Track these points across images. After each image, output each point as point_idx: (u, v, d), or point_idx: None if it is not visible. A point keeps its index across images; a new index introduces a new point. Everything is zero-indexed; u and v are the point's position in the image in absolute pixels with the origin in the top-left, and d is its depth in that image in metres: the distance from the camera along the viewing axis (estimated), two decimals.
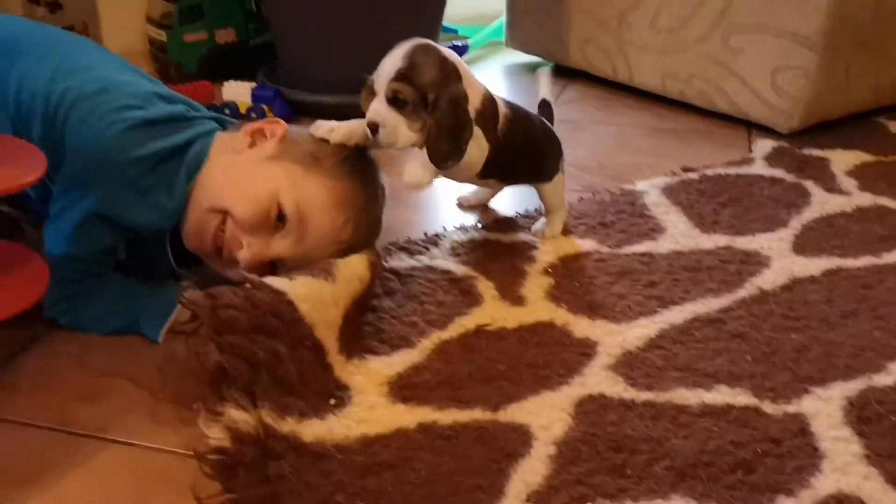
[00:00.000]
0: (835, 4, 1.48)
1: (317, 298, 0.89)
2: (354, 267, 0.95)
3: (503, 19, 2.21)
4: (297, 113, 1.72)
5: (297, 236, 0.95)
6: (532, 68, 2.16)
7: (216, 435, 0.76)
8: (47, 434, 0.79)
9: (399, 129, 0.98)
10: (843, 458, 0.76)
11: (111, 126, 0.91)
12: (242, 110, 1.72)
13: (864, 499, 0.71)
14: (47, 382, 0.87)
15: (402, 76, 0.97)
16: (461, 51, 2.23)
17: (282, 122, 1.03)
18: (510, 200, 1.33)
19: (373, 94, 1.00)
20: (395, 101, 0.98)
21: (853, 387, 0.86)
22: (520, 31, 2.13)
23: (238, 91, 1.72)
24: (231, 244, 0.96)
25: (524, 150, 1.14)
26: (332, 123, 1.02)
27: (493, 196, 1.32)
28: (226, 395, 0.79)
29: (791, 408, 0.83)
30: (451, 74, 0.99)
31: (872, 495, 0.72)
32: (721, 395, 0.85)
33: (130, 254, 1.03)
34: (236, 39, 1.98)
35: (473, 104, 1.02)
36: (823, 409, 0.83)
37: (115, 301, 0.96)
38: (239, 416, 0.77)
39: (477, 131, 1.02)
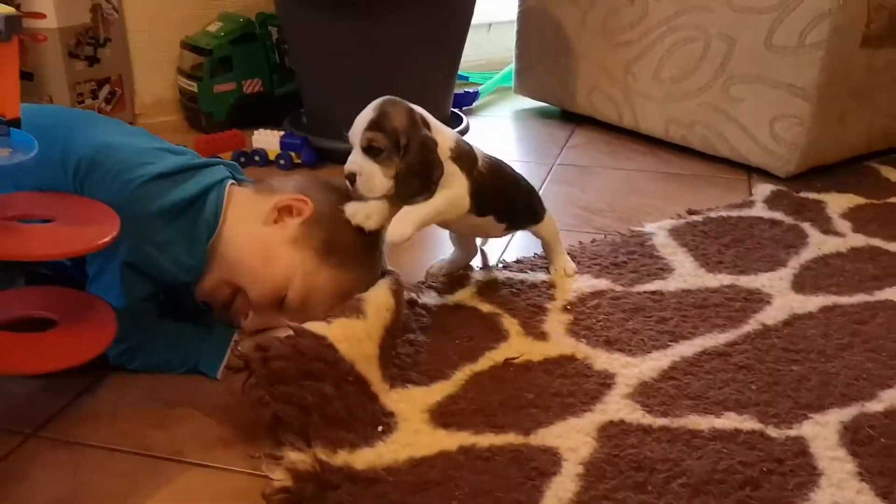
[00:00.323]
0: (829, 58, 1.60)
1: (352, 336, 0.98)
2: (381, 299, 1.05)
3: (512, 67, 2.33)
4: (323, 159, 1.83)
5: (298, 315, 1.02)
6: (540, 113, 2.28)
7: (279, 476, 0.84)
8: (131, 458, 0.89)
9: (375, 176, 1.05)
10: (838, 475, 0.86)
11: (127, 184, 0.98)
12: (271, 157, 1.83)
13: None
14: (123, 413, 0.96)
15: (374, 125, 1.05)
16: (472, 97, 2.35)
17: (308, 202, 1.07)
18: (528, 243, 1.43)
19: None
20: (369, 150, 1.05)
21: (848, 413, 0.96)
22: (528, 79, 2.26)
23: (267, 139, 1.84)
24: (238, 312, 1.06)
25: (513, 188, 1.22)
26: (367, 209, 1.06)
27: (466, 263, 1.33)
28: (282, 440, 0.87)
29: (792, 432, 0.92)
30: (418, 122, 1.07)
31: None
32: (729, 421, 0.94)
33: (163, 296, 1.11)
34: (262, 89, 2.10)
35: (447, 145, 1.09)
36: (821, 432, 0.92)
37: (173, 347, 1.05)
38: (296, 457, 0.85)
39: (453, 168, 1.09)
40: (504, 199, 1.20)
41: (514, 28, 2.24)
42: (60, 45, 1.89)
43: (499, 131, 2.18)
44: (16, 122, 0.79)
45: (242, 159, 1.81)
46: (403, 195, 1.06)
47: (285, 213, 1.07)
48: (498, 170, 1.19)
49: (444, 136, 1.11)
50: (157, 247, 1.00)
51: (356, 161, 1.06)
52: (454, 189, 1.10)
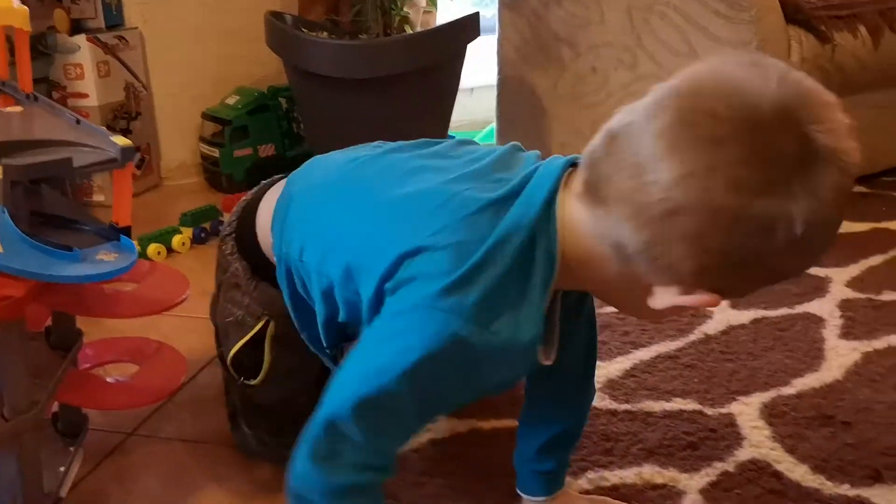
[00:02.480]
0: None
1: None
2: None
3: (493, 126, 2.63)
4: None
5: None
6: None
7: None
8: (213, 447, 1.14)
9: None
10: (757, 438, 1.13)
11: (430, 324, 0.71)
12: None
13: (770, 462, 1.08)
14: (202, 414, 1.22)
15: None
16: None
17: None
18: None
19: None
20: None
21: (767, 396, 1.23)
22: (508, 136, 2.55)
23: None
24: None
25: None
26: None
27: None
28: None
29: (724, 410, 1.19)
30: None
31: (775, 459, 1.08)
32: (676, 404, 1.21)
33: None
34: (275, 153, 2.39)
35: None
36: (746, 410, 1.19)
37: None
38: None
39: None
40: None
41: (495, 92, 2.55)
42: (100, 119, 2.17)
43: None
44: (127, 231, 1.02)
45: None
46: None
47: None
48: None
49: None
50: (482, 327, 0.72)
51: None
52: None
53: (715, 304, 0.71)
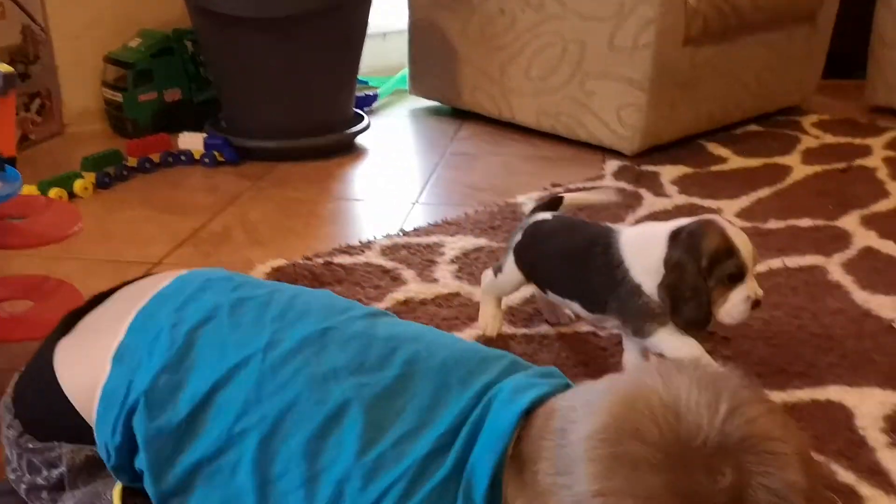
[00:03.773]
0: (657, 56, 1.97)
1: None
2: None
3: (406, 71, 2.64)
4: (244, 157, 2.09)
5: None
6: (433, 112, 2.59)
7: None
8: None
9: None
10: None
11: None
12: (196, 156, 2.07)
13: None
14: None
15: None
16: (372, 99, 2.64)
17: None
18: (425, 214, 1.73)
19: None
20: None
21: None
22: (421, 81, 2.57)
23: (192, 141, 2.08)
24: None
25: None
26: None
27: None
28: None
29: (615, 332, 1.26)
30: None
31: None
32: (571, 328, 1.27)
33: None
34: (181, 97, 2.34)
35: None
36: None
37: None
38: None
39: None
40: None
41: (406, 37, 2.54)
42: None
43: (397, 128, 2.48)
44: (11, 161, 1.00)
45: (170, 159, 2.05)
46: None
47: None
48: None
49: None
50: None
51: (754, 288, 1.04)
52: None
53: None
